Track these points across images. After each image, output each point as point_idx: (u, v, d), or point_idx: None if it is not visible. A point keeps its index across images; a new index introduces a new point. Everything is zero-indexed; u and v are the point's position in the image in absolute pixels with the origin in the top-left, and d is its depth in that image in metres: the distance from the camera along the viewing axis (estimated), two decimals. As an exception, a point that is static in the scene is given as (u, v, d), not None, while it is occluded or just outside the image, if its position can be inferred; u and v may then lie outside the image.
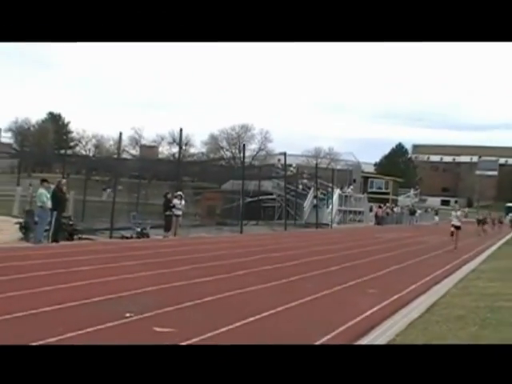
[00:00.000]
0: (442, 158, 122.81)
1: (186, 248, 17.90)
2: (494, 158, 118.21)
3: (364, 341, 6.96)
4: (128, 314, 7.44)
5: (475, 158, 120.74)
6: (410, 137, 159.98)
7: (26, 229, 17.82)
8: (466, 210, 57.61)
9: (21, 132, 79.44)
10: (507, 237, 37.71)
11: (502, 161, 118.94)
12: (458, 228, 22.84)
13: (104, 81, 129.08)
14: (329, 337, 6.96)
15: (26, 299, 8.29)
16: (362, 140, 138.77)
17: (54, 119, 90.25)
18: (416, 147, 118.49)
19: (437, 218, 57.21)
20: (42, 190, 17.51)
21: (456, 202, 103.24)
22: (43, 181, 18.41)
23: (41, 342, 5.92)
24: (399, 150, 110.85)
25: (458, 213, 24.23)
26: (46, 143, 77.09)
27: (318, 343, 6.60)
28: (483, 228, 40.62)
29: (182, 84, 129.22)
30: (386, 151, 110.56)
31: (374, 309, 9.06)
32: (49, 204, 17.20)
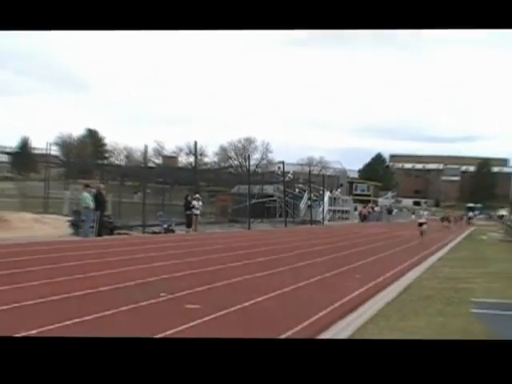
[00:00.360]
0: (414, 166, 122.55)
1: (206, 241, 18.14)
2: (456, 166, 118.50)
3: (353, 315, 7.27)
4: (163, 294, 7.72)
5: (441, 166, 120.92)
6: (388, 148, 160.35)
7: (75, 226, 18.13)
8: (434, 209, 57.65)
9: (65, 145, 79.61)
10: (466, 232, 37.84)
11: (463, 168, 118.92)
12: (423, 224, 23.19)
13: (131, 102, 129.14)
14: (325, 312, 7.26)
15: (94, 280, 8.61)
16: (348, 150, 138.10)
17: (92, 134, 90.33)
18: (392, 156, 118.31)
19: (413, 216, 57.16)
20: (85, 194, 17.82)
21: (425, 202, 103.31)
22: (86, 186, 18.75)
23: (97, 316, 6.21)
24: (378, 158, 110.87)
25: (425, 213, 24.49)
26: (86, 155, 77.34)
27: (316, 317, 6.90)
28: (446, 225, 40.72)
29: (196, 104, 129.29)
30: (368, 160, 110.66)
31: (361, 290, 9.32)
32: (92, 205, 17.50)
